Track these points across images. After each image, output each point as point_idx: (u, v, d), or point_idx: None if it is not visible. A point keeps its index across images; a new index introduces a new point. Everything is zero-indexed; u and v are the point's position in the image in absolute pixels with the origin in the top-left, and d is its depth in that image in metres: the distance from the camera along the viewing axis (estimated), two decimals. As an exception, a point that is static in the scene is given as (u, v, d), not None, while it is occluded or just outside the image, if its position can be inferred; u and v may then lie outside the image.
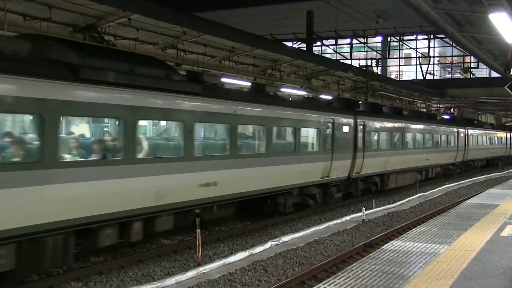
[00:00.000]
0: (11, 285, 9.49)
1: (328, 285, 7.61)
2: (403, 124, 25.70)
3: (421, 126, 28.22)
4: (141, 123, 11.87)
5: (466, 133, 36.40)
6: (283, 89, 22.71)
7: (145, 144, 11.49)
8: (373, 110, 24.01)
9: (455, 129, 34.58)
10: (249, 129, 15.63)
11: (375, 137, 22.75)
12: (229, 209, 14.67)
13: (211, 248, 13.12)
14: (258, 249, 12.90)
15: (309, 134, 18.05)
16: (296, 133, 16.57)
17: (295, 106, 17.00)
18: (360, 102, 23.89)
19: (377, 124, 22.85)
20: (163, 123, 13.60)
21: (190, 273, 10.68)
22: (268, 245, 13.35)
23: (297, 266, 11.87)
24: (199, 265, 11.44)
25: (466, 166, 38.75)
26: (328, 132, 18.45)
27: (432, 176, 30.73)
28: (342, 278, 7.89)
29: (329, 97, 23.45)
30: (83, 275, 10.38)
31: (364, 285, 7.57)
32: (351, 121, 20.29)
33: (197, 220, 11.99)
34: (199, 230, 11.85)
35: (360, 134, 20.92)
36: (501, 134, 49.75)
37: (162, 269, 11.25)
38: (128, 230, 11.08)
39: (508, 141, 52.25)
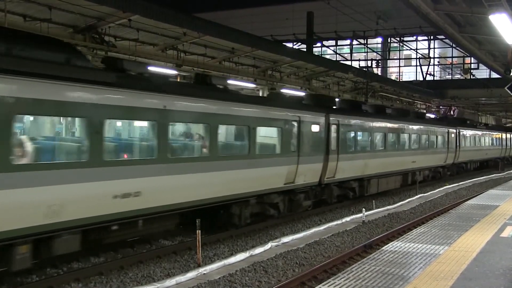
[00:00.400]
0: (10, 286, 9.49)
1: (328, 286, 7.61)
2: (385, 124, 23.66)
3: (406, 126, 26.19)
4: (21, 118, 9.61)
5: (457, 133, 34.45)
6: (235, 82, 20.57)
7: (27, 146, 9.24)
8: (351, 107, 22.07)
9: (445, 129, 32.47)
10: (186, 128, 13.64)
11: (352, 138, 20.67)
12: (166, 222, 12.60)
13: (211, 249, 13.12)
14: (258, 250, 12.90)
15: (268, 134, 15.93)
16: (251, 133, 14.35)
17: (250, 102, 14.82)
18: (336, 100, 21.92)
19: (355, 123, 20.76)
20: (57, 119, 10.89)
21: (190, 274, 10.68)
22: (268, 246, 13.35)
23: (297, 267, 11.87)
24: (199, 266, 11.44)
25: (458, 169, 36.86)
26: (292, 132, 16.33)
27: (419, 179, 28.51)
28: (342, 279, 7.89)
29: (297, 93, 21.96)
30: (83, 276, 10.37)
31: (364, 286, 7.57)
32: (322, 119, 18.10)
33: (197, 221, 11.98)
34: (199, 231, 11.84)
35: (333, 135, 18.82)
36: (496, 135, 47.51)
37: (162, 270, 11.24)
38: (8, 255, 8.93)
39: (504, 142, 50.07)
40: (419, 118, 29.70)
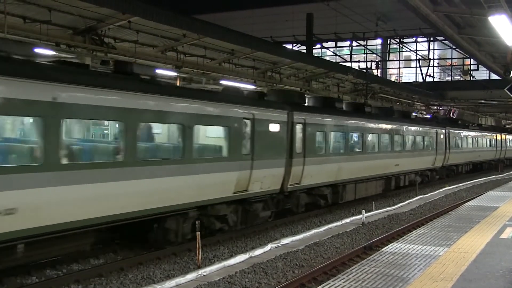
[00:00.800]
0: (10, 287, 9.43)
1: (328, 287, 7.61)
2: (364, 123, 21.40)
3: (388, 126, 23.94)
4: None
5: (446, 134, 32.34)
6: (163, 72, 17.59)
7: None
8: (324, 105, 19.76)
9: (433, 130, 30.21)
10: (88, 126, 11.52)
11: (323, 139, 18.28)
12: (70, 244, 10.75)
13: (211, 250, 13.12)
14: (258, 251, 12.89)
15: (211, 135, 13.83)
16: (186, 133, 12.02)
17: (185, 96, 12.36)
18: (305, 96, 19.82)
19: (326, 123, 18.37)
20: None
21: (190, 276, 10.67)
22: (268, 247, 13.34)
23: (297, 268, 11.87)
24: (199, 267, 11.44)
25: (448, 172, 34.77)
26: (244, 132, 14.17)
27: (404, 184, 26.62)
28: (342, 281, 7.89)
29: (250, 87, 20.16)
30: (83, 278, 10.37)
31: (364, 287, 7.58)
32: (283, 117, 15.87)
33: (197, 223, 11.98)
34: (199, 232, 11.84)
35: (299, 135, 16.66)
36: (491, 136, 45.14)
37: (162, 271, 11.24)
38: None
39: (499, 143, 47.56)
40: (404, 117, 27.51)
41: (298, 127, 16.66)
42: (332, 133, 19.14)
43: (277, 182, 15.66)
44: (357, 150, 21.15)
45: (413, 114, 31.23)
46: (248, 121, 14.31)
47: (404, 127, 25.88)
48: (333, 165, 18.81)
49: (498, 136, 47.34)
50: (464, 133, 36.90)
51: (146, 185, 11.00)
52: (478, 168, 42.39)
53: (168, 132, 12.63)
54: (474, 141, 39.38)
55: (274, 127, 15.44)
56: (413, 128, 27.18)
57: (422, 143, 28.37)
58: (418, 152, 27.75)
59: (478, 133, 41.16)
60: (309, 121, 17.17)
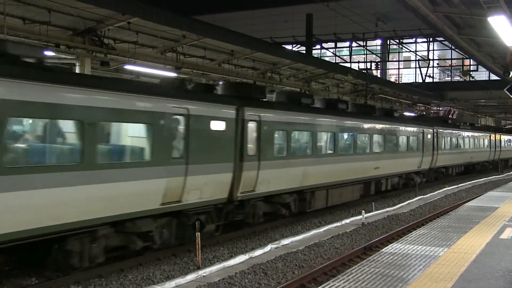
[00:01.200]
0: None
1: (328, 288, 7.62)
2: (336, 122, 18.89)
3: (367, 125, 21.58)
4: None
5: (434, 134, 30.02)
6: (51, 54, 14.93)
7: None
8: (288, 100, 17.36)
9: (420, 129, 27.78)
10: None
11: (283, 139, 15.98)
12: None
13: (210, 251, 13.12)
14: (258, 252, 12.89)
15: (126, 134, 11.51)
16: (86, 131, 9.70)
17: (85, 85, 9.91)
18: (270, 90, 17.65)
19: (288, 121, 16.08)
20: None
21: (190, 277, 10.68)
22: (268, 248, 13.35)
23: (297, 269, 11.87)
24: (199, 268, 11.44)
25: (436, 174, 32.41)
26: (175, 131, 11.84)
27: (386, 188, 24.48)
28: (342, 281, 7.89)
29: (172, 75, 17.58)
30: (83, 279, 10.37)
31: (363, 288, 7.58)
32: (230, 114, 13.55)
33: (196, 223, 11.98)
34: (199, 233, 11.83)
35: (252, 135, 14.39)
36: (484, 136, 42.72)
37: (162, 272, 11.24)
38: None
39: (493, 144, 44.98)
40: (387, 115, 25.01)
41: (252, 126, 14.33)
42: (296, 133, 16.94)
43: (223, 189, 13.35)
44: (329, 151, 18.74)
45: (398, 112, 28.00)
46: (181, 118, 11.93)
47: (386, 126, 23.50)
48: (298, 169, 16.46)
49: (492, 136, 45.11)
50: (454, 132, 34.77)
51: (25, 198, 8.72)
52: (470, 170, 40.31)
53: (59, 130, 10.07)
54: (465, 141, 37.43)
55: (217, 125, 13.06)
56: (396, 128, 24.72)
57: (406, 143, 26.09)
58: (401, 154, 25.38)
59: (470, 133, 38.99)
60: (265, 118, 14.87)
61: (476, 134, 40.43)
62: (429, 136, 29.00)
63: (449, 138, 33.24)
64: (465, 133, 37.50)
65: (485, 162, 43.59)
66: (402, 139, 25.53)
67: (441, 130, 31.45)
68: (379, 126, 22.76)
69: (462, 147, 36.54)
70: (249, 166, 14.12)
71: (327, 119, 18.48)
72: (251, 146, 14.30)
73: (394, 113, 26.09)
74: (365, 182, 21.80)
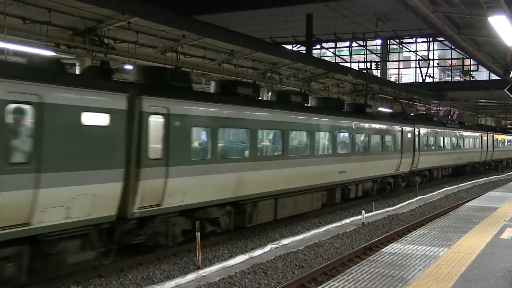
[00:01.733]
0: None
1: (328, 288, 7.62)
2: (285, 117, 15.87)
3: (328, 122, 18.38)
4: None
5: (416, 133, 27.06)
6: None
7: None
8: (221, 90, 14.64)
9: (397, 127, 24.66)
10: None
11: (205, 138, 13.20)
12: None
13: (210, 251, 13.12)
14: (258, 252, 12.90)
15: None
16: None
17: None
18: (186, 75, 13.55)
19: (212, 114, 12.91)
20: None
21: (190, 276, 10.68)
22: (268, 248, 13.35)
23: (297, 269, 11.87)
24: (199, 268, 11.45)
25: (420, 178, 28.71)
26: (16, 126, 8.86)
27: (356, 195, 21.36)
28: (342, 281, 7.89)
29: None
30: (83, 279, 10.38)
31: (363, 288, 7.58)
32: (118, 104, 10.50)
33: (196, 223, 11.97)
34: (199, 233, 11.83)
35: (156, 132, 11.28)
36: (475, 135, 39.84)
37: (162, 272, 11.25)
38: None
39: (485, 144, 42.22)
40: (357, 111, 22.27)
41: (156, 120, 11.26)
42: (227, 130, 14.19)
43: (107, 205, 10.25)
44: (276, 153, 15.88)
45: (372, 108, 24.95)
46: (26, 108, 8.89)
47: (355, 123, 20.34)
48: (229, 176, 13.43)
49: (484, 136, 42.14)
50: (439, 131, 31.56)
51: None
52: (460, 172, 37.60)
53: None
54: (453, 141, 34.56)
55: (94, 119, 9.98)
56: (368, 125, 21.61)
57: (381, 144, 23.06)
58: (374, 155, 22.25)
59: (458, 132, 36.01)
60: (178, 111, 11.74)
61: (465, 133, 37.68)
62: (409, 135, 26.04)
63: (433, 137, 30.51)
64: (453, 132, 34.76)
65: (475, 163, 40.84)
66: (375, 139, 22.66)
67: (424, 129, 28.61)
68: (346, 123, 19.73)
69: (449, 147, 33.84)
70: (151, 173, 11.02)
71: (274, 113, 15.41)
72: (154, 147, 11.22)
73: (367, 109, 23.26)
74: (328, 188, 18.80)
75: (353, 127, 20.28)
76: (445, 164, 33.09)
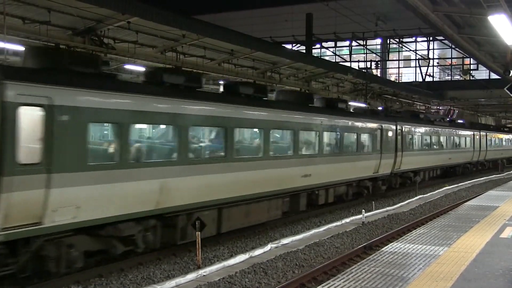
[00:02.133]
0: (10, 289, 9.12)
1: (328, 287, 7.62)
2: (229, 112, 13.57)
3: (288, 118, 16.13)
4: None
5: (398, 131, 24.72)
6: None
7: None
8: (148, 78, 12.59)
9: (375, 125, 22.32)
10: None
11: (111, 137, 11.21)
12: None
13: (211, 250, 13.13)
14: (258, 251, 12.90)
15: None
16: None
17: None
18: (96, 59, 11.48)
19: (118, 107, 10.43)
20: None
21: (190, 276, 10.69)
22: (268, 247, 13.36)
23: (297, 268, 11.88)
24: (199, 267, 11.45)
25: (402, 180, 26.46)
26: None
27: (327, 201, 19.01)
28: (342, 280, 7.90)
29: None
30: (83, 278, 10.38)
31: (364, 287, 7.58)
32: None
33: (196, 223, 11.97)
34: (199, 232, 11.84)
35: (30, 129, 8.94)
36: (466, 134, 37.76)
37: (162, 271, 11.26)
38: None
39: (478, 143, 40.04)
40: (328, 107, 19.87)
41: (29, 113, 8.88)
42: (144, 127, 12.30)
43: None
44: (218, 155, 13.64)
45: (346, 103, 22.45)
46: None
47: (321, 120, 17.86)
48: (148, 184, 11.06)
49: (477, 134, 39.97)
50: (426, 130, 29.09)
51: None
52: (450, 172, 35.67)
53: None
54: (442, 140, 32.24)
55: None
56: (339, 123, 19.28)
57: (355, 143, 20.73)
58: (347, 156, 19.84)
59: (448, 130, 33.52)
60: (64, 102, 9.34)
61: (456, 131, 35.38)
62: (390, 133, 23.64)
63: (419, 136, 28.13)
64: (441, 130, 32.11)
65: (467, 164, 38.67)
66: (349, 138, 20.34)
67: (407, 127, 26.12)
68: (311, 120, 17.35)
69: (437, 147, 31.60)
70: (22, 183, 8.65)
71: (212, 107, 13.09)
72: (28, 149, 8.86)
73: (339, 105, 20.80)
74: (291, 194, 16.64)
75: (321, 124, 17.83)
76: (432, 165, 30.81)
